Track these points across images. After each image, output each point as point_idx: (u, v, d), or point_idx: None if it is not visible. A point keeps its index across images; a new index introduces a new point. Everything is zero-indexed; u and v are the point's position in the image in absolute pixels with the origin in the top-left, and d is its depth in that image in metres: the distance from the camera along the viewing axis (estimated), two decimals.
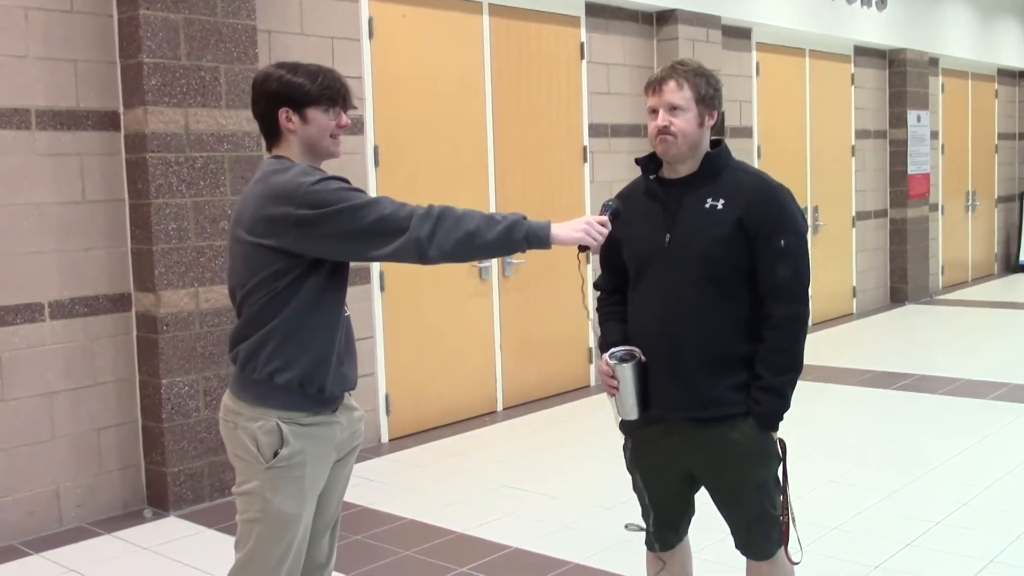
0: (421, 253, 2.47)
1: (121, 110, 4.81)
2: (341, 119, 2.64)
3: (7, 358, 4.49)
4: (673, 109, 2.69)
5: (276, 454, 2.58)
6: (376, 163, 5.99)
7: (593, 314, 3.05)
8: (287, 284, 2.53)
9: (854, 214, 10.61)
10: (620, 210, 2.71)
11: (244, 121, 4.94)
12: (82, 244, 4.72)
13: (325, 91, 2.60)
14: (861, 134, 10.67)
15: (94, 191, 4.76)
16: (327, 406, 2.65)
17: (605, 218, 2.65)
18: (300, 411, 2.60)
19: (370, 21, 5.95)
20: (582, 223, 2.59)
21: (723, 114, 2.82)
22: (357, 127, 5.85)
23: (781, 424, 2.73)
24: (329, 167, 2.67)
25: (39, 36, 4.56)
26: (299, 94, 2.59)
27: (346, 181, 2.55)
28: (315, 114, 2.60)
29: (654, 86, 2.75)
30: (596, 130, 7.44)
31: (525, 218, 2.54)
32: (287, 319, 2.55)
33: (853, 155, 10.57)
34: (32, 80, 4.55)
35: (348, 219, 2.46)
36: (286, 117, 2.60)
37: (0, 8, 4.44)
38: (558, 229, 2.55)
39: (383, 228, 2.46)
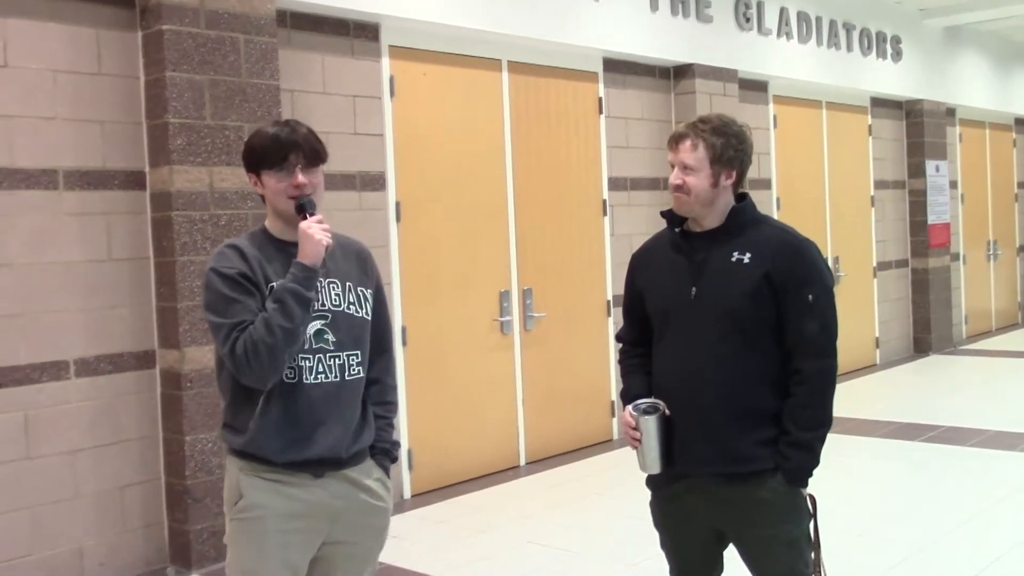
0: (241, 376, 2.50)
1: (147, 169, 4.88)
2: (296, 178, 2.55)
3: (32, 416, 4.51)
4: (686, 168, 2.71)
5: (236, 504, 2.56)
6: (398, 219, 6.03)
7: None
8: None
9: (875, 264, 10.57)
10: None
11: None
12: (108, 302, 4.76)
13: (268, 154, 2.56)
14: (880, 184, 10.67)
15: (120, 249, 4.81)
16: (297, 469, 2.54)
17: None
18: (262, 463, 2.54)
19: (391, 79, 6.03)
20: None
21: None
22: (379, 183, 5.91)
23: (810, 479, 2.70)
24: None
25: (68, 98, 4.64)
26: (253, 159, 2.60)
27: (242, 275, 2.51)
28: (267, 177, 2.58)
29: (672, 142, 2.77)
30: (615, 183, 7.48)
31: (286, 283, 2.49)
32: (240, 384, 2.53)
33: (873, 205, 10.56)
34: (60, 141, 4.62)
35: (208, 320, 2.56)
36: (253, 182, 2.63)
37: (30, 71, 4.53)
38: (302, 255, 2.51)
39: (216, 338, 2.53)
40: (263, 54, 5.07)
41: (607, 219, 7.43)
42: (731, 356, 2.68)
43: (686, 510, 2.79)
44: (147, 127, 4.87)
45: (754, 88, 8.81)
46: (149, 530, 4.88)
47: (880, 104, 10.63)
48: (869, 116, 10.51)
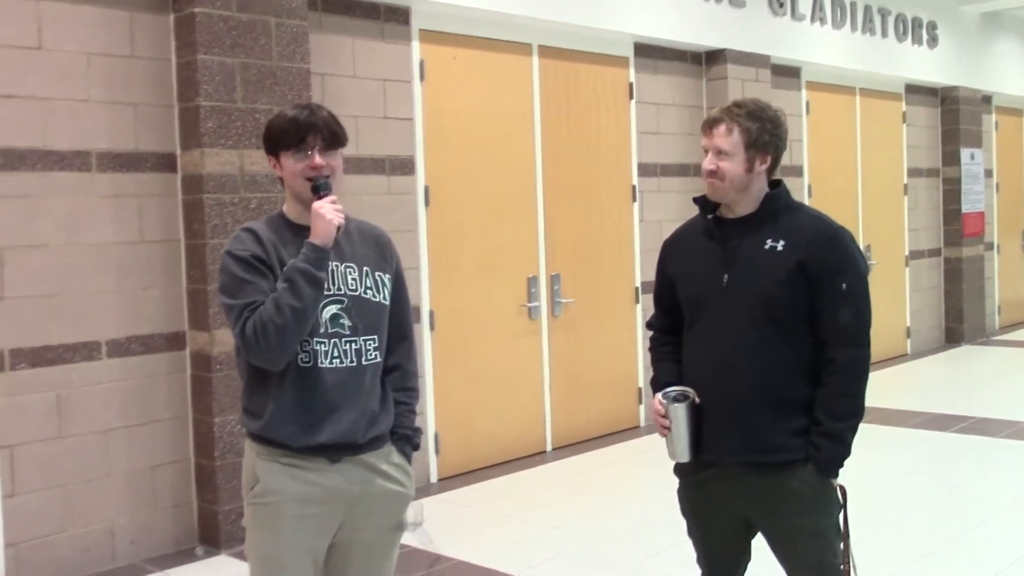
0: (252, 357, 2.52)
1: (178, 152, 4.90)
2: (313, 159, 2.54)
3: (65, 396, 4.55)
4: (720, 153, 2.68)
5: (253, 489, 2.57)
6: (426, 203, 6.03)
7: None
8: None
9: (907, 253, 10.47)
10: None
11: None
12: (139, 283, 4.80)
13: (286, 135, 2.56)
14: (913, 172, 10.55)
15: (151, 231, 4.84)
16: (313, 454, 2.54)
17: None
18: (279, 448, 2.54)
19: (421, 63, 6.01)
20: None
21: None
22: (408, 167, 5.91)
23: (841, 470, 2.67)
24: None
25: (101, 81, 4.67)
26: (271, 140, 2.60)
27: (255, 258, 2.53)
28: (285, 159, 2.58)
29: (706, 127, 2.74)
30: (645, 169, 7.43)
31: (296, 263, 2.50)
32: (255, 368, 2.56)
33: (906, 193, 10.44)
34: (93, 123, 4.65)
35: (221, 302, 2.60)
36: (273, 164, 2.63)
37: (64, 54, 4.56)
38: (314, 235, 2.51)
39: (229, 319, 2.56)
40: (294, 37, 5.07)
41: (636, 205, 7.39)
42: (763, 344, 2.65)
43: (714, 498, 2.77)
44: (179, 110, 4.89)
45: (787, 74, 8.72)
46: (179, 510, 4.93)
47: (915, 91, 10.50)
48: (903, 103, 10.38)
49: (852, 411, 2.63)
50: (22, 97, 4.45)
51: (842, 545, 2.70)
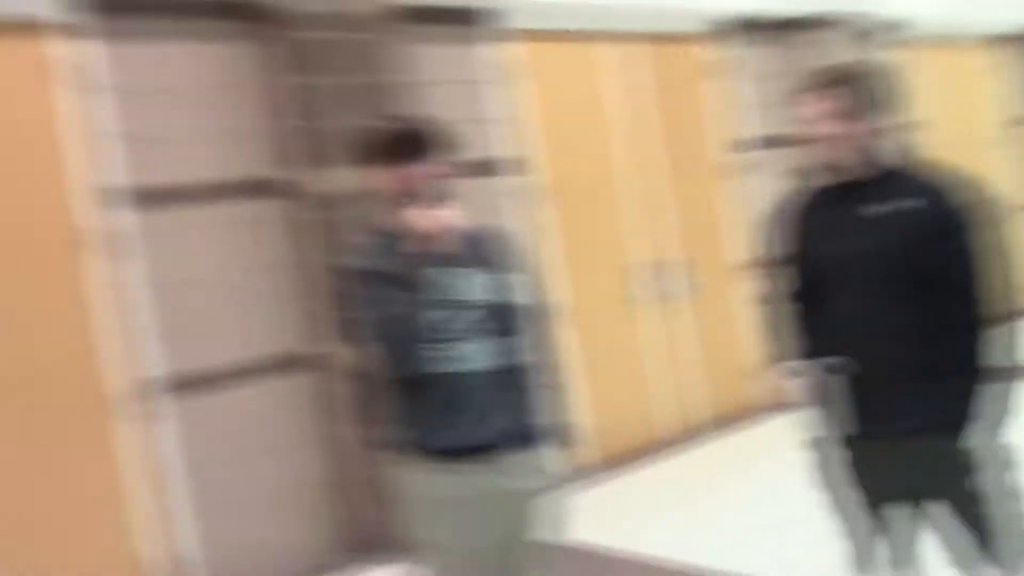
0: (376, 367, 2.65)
1: (292, 175, 4.99)
2: (410, 170, 2.60)
3: (203, 421, 4.67)
4: (829, 118, 2.62)
5: (406, 495, 2.65)
6: (536, 201, 6.06)
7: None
8: None
9: None
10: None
11: None
12: (264, 306, 4.90)
13: (384, 149, 2.63)
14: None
15: (276, 254, 4.95)
16: (453, 457, 2.61)
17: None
18: (420, 454, 2.62)
19: (515, 63, 6.05)
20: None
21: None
22: (516, 167, 5.95)
23: (1006, 430, 2.58)
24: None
25: (210, 110, 4.80)
26: (369, 155, 2.67)
27: (370, 270, 2.62)
28: (383, 172, 2.64)
29: (813, 92, 2.70)
30: (747, 144, 7.35)
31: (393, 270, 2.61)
32: (388, 379, 2.67)
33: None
34: (206, 153, 4.78)
35: (343, 317, 2.73)
36: (373, 178, 2.69)
37: (176, 89, 4.70)
38: (415, 244, 2.59)
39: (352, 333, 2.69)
40: (390, 51, 5.14)
41: (741, 181, 7.30)
42: (900, 309, 2.60)
43: (873, 471, 2.72)
44: (289, 132, 4.97)
45: (885, 32, 8.46)
46: (324, 525, 5.03)
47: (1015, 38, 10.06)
48: (1007, 51, 9.98)
49: (998, 369, 2.54)
50: (146, 137, 4.60)
51: (1015, 506, 2.60)
